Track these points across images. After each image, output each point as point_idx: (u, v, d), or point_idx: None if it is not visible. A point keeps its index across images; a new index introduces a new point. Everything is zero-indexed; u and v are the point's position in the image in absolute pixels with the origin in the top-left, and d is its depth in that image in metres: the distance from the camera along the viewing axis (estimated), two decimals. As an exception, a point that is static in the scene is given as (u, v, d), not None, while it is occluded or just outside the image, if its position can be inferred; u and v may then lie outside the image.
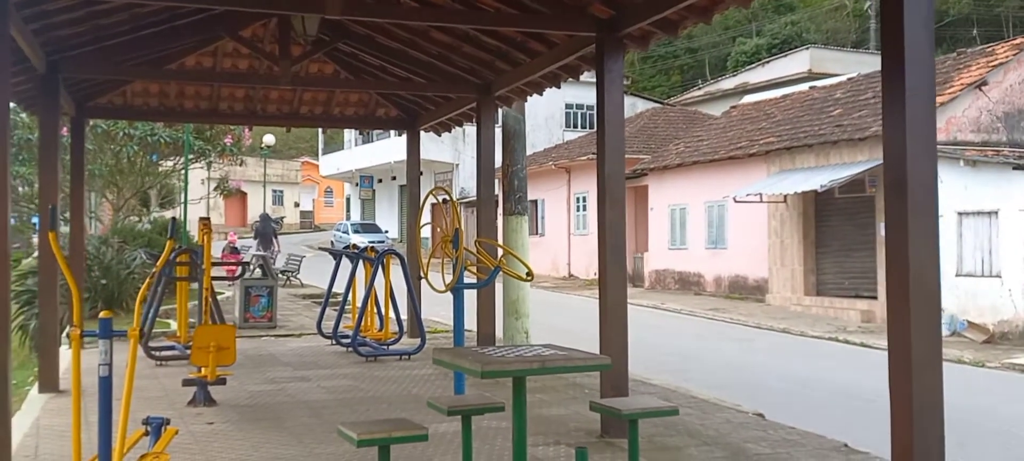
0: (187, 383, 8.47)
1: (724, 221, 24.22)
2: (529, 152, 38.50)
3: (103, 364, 5.01)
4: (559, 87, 10.14)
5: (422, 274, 8.58)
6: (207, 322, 8.93)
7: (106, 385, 5.04)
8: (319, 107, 13.66)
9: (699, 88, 51.00)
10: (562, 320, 18.23)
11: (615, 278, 7.52)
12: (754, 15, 63.57)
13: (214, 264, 10.18)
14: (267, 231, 25.43)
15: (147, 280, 5.64)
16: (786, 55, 46.57)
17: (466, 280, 8.67)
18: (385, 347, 11.99)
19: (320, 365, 11.23)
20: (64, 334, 10.17)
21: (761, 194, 20.98)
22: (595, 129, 35.63)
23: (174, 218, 7.61)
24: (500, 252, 9.04)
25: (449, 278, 8.19)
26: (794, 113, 24.09)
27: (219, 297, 15.69)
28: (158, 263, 6.25)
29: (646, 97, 47.07)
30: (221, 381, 8.29)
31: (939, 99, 18.66)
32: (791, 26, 63.13)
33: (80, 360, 5.28)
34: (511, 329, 12.19)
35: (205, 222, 9.09)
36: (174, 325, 13.37)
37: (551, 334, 15.05)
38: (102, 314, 4.95)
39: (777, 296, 21.88)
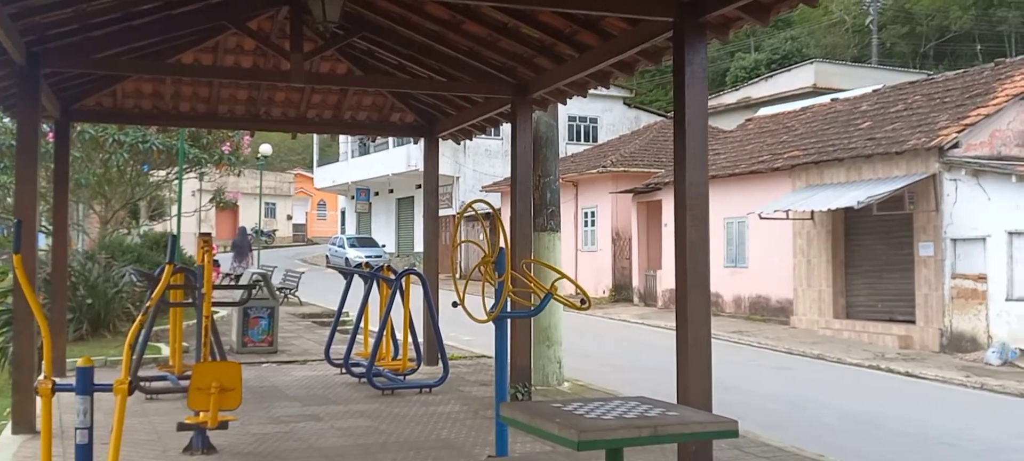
0: (183, 428, 7.23)
1: (745, 238, 23.05)
2: (532, 165, 37.37)
3: (81, 429, 3.77)
4: (608, 87, 8.97)
5: (458, 300, 7.35)
6: (206, 357, 7.68)
7: (84, 456, 3.80)
8: (328, 111, 12.44)
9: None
10: (593, 345, 16.97)
11: (698, 311, 6.34)
12: (753, 31, 62.86)
13: (215, 287, 8.91)
14: (243, 244, 27.27)
15: (139, 317, 4.42)
16: (790, 69, 45.77)
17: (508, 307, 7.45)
18: (403, 378, 10.75)
19: (331, 399, 9.97)
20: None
21: (788, 211, 19.83)
22: (593, 142, 34.45)
23: (174, 236, 6.38)
24: (549, 276, 7.83)
25: (490, 304, 6.97)
26: (817, 126, 22.98)
27: (214, 318, 14.44)
28: (155, 293, 5.04)
29: (651, 111, 46.01)
30: (223, 426, 7.05)
31: (982, 111, 17.58)
32: (791, 41, 62.44)
33: (50, 422, 4.03)
34: (542, 358, 10.98)
35: (205, 239, 7.86)
36: (166, 350, 12.08)
37: (586, 362, 13.84)
38: (80, 362, 3.71)
39: (803, 318, 20.71)
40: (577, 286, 7.34)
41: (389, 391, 10.25)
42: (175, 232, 22.81)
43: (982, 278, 16.49)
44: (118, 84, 10.84)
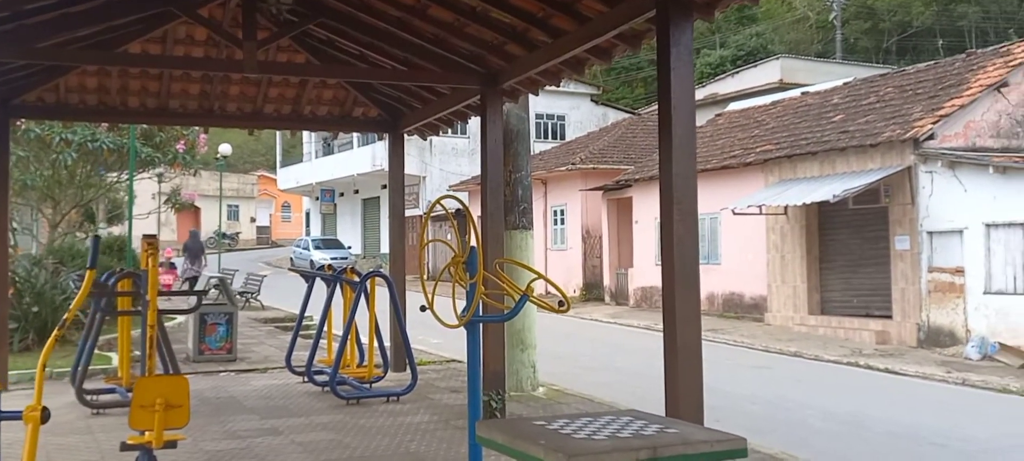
0: (126, 447, 6.60)
1: (717, 235, 22.70)
2: (500, 163, 36.79)
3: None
4: (582, 74, 8.45)
5: (427, 303, 6.81)
6: (152, 370, 7.04)
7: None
8: (287, 105, 11.82)
9: (667, 99, 49.86)
10: (565, 346, 16.45)
11: (687, 311, 5.83)
12: (717, 27, 63.04)
13: (162, 294, 8.22)
14: (196, 247, 27.72)
15: (55, 331, 3.83)
16: (756, 65, 45.74)
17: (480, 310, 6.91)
18: (368, 387, 10.17)
19: (292, 411, 9.36)
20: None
21: (761, 206, 19.48)
22: (560, 140, 33.87)
23: (97, 237, 5.76)
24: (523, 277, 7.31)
25: (461, 307, 6.44)
26: (788, 120, 22.69)
27: (169, 324, 13.73)
28: (73, 305, 4.44)
29: (618, 107, 45.69)
30: (171, 445, 6.43)
31: (957, 102, 17.33)
32: (756, 38, 62.64)
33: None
34: (515, 363, 10.46)
35: (150, 241, 7.22)
36: (116, 360, 11.38)
37: (559, 364, 13.30)
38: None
39: (777, 315, 20.38)
40: (555, 287, 6.82)
41: (354, 401, 9.67)
42: (103, 236, 21.90)
43: (959, 271, 16.23)
44: (60, 78, 10.15)
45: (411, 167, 38.64)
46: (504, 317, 6.96)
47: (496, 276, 6.81)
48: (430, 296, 6.79)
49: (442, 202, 7.19)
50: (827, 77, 32.82)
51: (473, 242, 6.66)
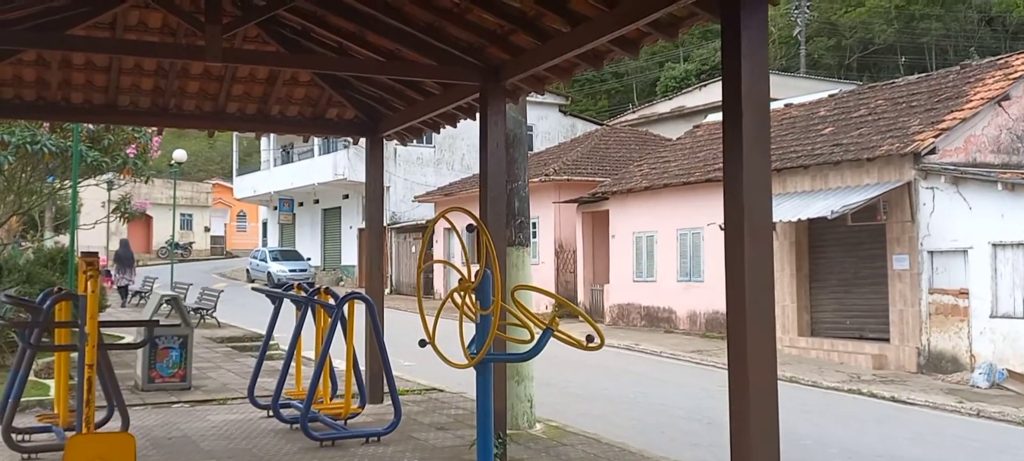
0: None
1: (700, 251, 21.76)
2: (469, 174, 35.59)
3: None
4: (600, 69, 7.34)
5: (427, 337, 5.64)
6: (90, 418, 5.72)
7: None
8: (252, 105, 10.55)
9: (632, 111, 49.37)
10: (550, 371, 15.16)
11: (761, 350, 4.75)
12: (682, 42, 62.80)
13: (104, 324, 6.80)
14: (127, 256, 27.76)
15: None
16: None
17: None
18: (344, 425, 8.93)
19: (257, 455, 8.09)
20: None
21: (750, 221, 18.52)
22: (530, 148, 32.64)
23: None
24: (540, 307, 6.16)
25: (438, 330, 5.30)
26: (775, 132, 21.80)
27: (117, 343, 12.31)
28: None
29: (587, 118, 44.82)
30: (113, 513, 5.19)
31: (958, 115, 16.56)
32: (719, 52, 62.49)
33: None
34: (510, 397, 9.29)
35: (90, 261, 5.86)
36: (53, 390, 10.00)
37: (547, 392, 12.05)
38: None
39: (765, 336, 19.43)
40: (587, 320, 5.69)
41: (329, 442, 8.42)
42: (50, 245, 20.30)
43: (963, 293, 15.40)
44: (-10, 68, 8.81)
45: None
46: (523, 356, 5.83)
47: (516, 306, 5.66)
48: (432, 330, 5.64)
49: (447, 216, 6.05)
50: (794, 92, 32.25)
51: (471, 264, 5.53)
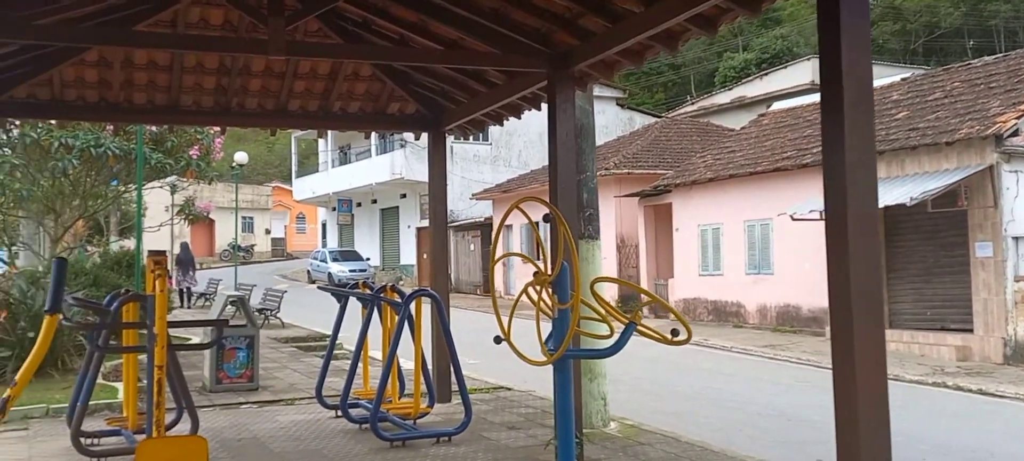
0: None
1: (769, 242, 21.15)
2: (526, 170, 35.27)
3: None
4: (674, 51, 6.97)
5: (502, 334, 5.37)
6: (160, 421, 5.56)
7: None
8: (314, 102, 10.40)
9: (691, 103, 48.62)
10: (619, 367, 14.71)
11: (870, 350, 4.35)
12: (740, 30, 61.78)
13: (172, 325, 6.67)
14: (187, 259, 28.60)
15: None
16: (786, 66, 44.35)
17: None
18: (413, 424, 8.72)
19: (328, 456, 7.91)
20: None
21: (822, 211, 17.90)
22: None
23: (61, 260, 4.32)
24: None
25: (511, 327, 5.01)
26: (843, 118, 21.12)
27: (186, 343, 12.28)
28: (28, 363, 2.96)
29: (644, 111, 44.21)
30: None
31: (1039, 96, 15.78)
32: (781, 40, 61.44)
33: None
34: (583, 395, 8.92)
35: (157, 260, 5.73)
36: (122, 393, 9.95)
37: (617, 389, 11.66)
38: None
39: (838, 329, 18.79)
40: (674, 313, 5.35)
41: (399, 443, 8.21)
42: (115, 249, 20.45)
43: (1053, 281, 14.66)
44: (53, 69, 8.76)
45: (424, 175, 37.37)
46: (605, 352, 5.48)
47: (595, 300, 5.35)
48: (507, 326, 5.37)
49: (519, 206, 5.75)
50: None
51: (547, 259, 5.23)
